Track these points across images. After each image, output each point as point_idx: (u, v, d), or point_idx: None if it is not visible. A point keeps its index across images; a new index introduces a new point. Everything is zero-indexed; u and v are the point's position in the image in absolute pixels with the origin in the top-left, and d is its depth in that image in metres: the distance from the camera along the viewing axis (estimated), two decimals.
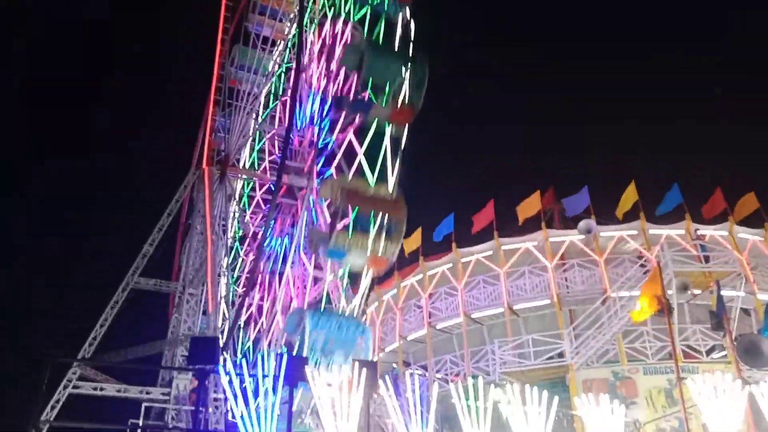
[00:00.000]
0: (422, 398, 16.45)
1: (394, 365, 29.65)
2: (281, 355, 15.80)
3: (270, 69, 29.27)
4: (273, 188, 23.02)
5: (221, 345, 19.90)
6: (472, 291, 28.22)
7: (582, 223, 25.86)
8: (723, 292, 22.26)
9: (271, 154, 29.79)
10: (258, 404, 14.08)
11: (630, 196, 27.21)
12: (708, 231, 26.01)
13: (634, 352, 23.90)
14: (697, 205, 27.62)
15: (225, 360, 16.36)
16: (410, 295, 30.66)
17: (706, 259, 23.95)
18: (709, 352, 23.49)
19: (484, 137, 75.05)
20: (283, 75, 30.95)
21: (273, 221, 23.96)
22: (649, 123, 72.81)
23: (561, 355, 24.43)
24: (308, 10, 26.80)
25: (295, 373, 15.13)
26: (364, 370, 15.44)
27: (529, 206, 28.38)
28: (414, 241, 30.61)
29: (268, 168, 28.93)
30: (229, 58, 30.35)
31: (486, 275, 28.06)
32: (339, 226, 20.04)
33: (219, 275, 23.20)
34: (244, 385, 14.09)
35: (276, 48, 30.12)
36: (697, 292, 23.72)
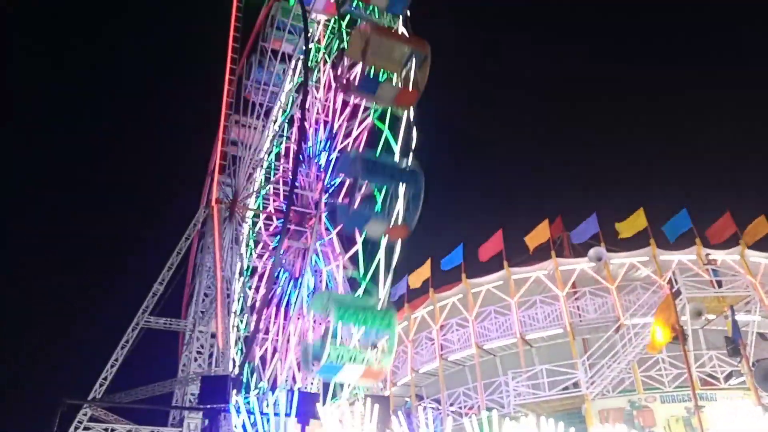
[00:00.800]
0: None
1: (407, 399, 29.25)
2: (292, 391, 15.66)
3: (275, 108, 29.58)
4: (284, 209, 23.04)
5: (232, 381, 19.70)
6: (484, 322, 27.98)
7: (592, 251, 25.74)
8: (737, 317, 22.01)
9: (277, 195, 29.92)
10: None
11: (636, 221, 27.05)
12: (719, 255, 25.79)
13: (651, 381, 23.52)
14: (706, 229, 27.42)
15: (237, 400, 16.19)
16: (421, 327, 30.43)
17: (719, 283, 23.69)
18: (726, 378, 23.07)
19: (490, 167, 75.37)
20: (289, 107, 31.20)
21: (282, 251, 23.89)
22: (654, 148, 72.83)
23: (576, 384, 24.07)
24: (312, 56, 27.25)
25: (306, 409, 14.99)
26: (377, 405, 15.28)
27: (538, 235, 28.30)
28: (424, 273, 30.51)
29: (274, 208, 29.04)
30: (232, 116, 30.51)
31: (497, 305, 27.85)
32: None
33: (229, 311, 23.16)
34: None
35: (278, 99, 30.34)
36: (711, 317, 23.42)
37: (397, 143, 22.97)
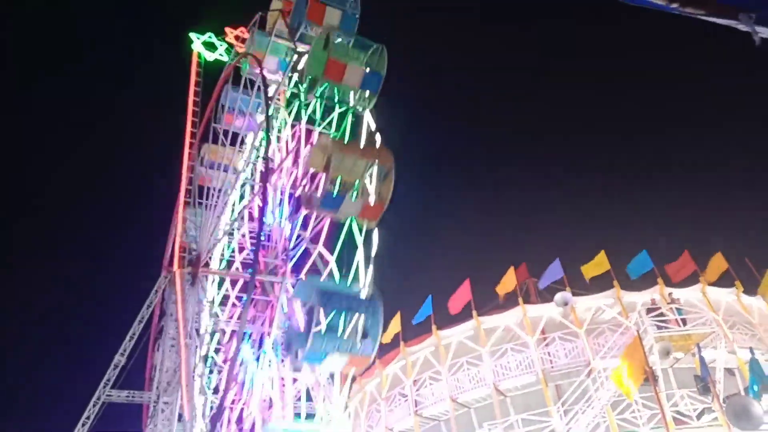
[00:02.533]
0: None
1: None
2: None
3: (239, 168, 29.58)
4: (246, 289, 22.82)
5: None
6: (457, 374, 27.67)
7: (558, 296, 25.92)
8: (704, 353, 22.28)
9: (243, 249, 29.62)
10: None
11: (599, 264, 27.45)
12: (681, 294, 26.26)
13: (626, 423, 23.44)
14: (665, 269, 27.95)
15: None
16: (394, 384, 29.91)
17: (684, 321, 24.04)
18: (699, 416, 23.14)
19: (454, 216, 76.08)
20: (252, 171, 31.17)
21: (247, 325, 23.51)
22: (613, 193, 74.81)
23: None
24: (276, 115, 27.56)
25: None
26: None
27: (506, 283, 28.44)
28: (394, 327, 30.19)
29: (240, 266, 28.62)
30: (199, 157, 30.71)
31: (469, 356, 27.63)
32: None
33: (194, 380, 22.41)
34: None
35: (244, 146, 30.53)
36: (679, 356, 23.64)
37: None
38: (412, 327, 30.42)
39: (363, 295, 20.49)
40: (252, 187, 29.81)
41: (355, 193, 22.04)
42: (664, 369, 23.43)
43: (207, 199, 29.51)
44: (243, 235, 28.25)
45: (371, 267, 21.47)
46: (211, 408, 22.22)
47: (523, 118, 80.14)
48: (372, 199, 21.52)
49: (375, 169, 21.65)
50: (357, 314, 19.07)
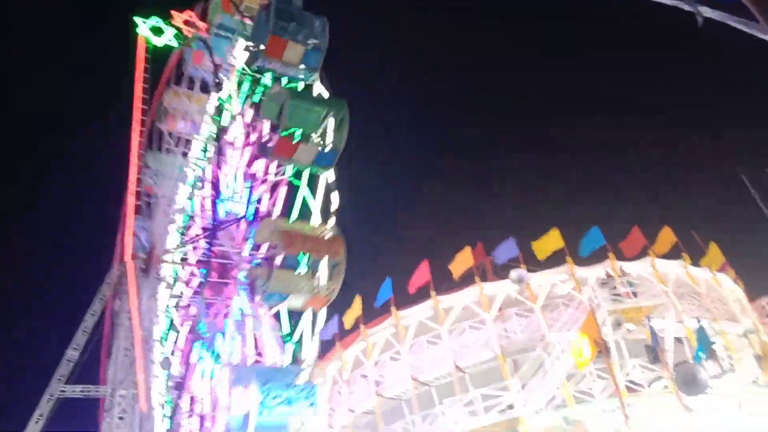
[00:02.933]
0: None
1: None
2: None
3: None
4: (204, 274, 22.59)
5: None
6: (417, 353, 27.95)
7: (513, 273, 26.29)
8: (654, 323, 23.07)
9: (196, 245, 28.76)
10: None
11: (552, 241, 27.89)
12: (632, 267, 27.01)
13: (581, 394, 24.10)
14: (616, 244, 28.65)
15: None
16: (355, 366, 30.03)
17: (635, 294, 24.78)
18: (651, 383, 23.98)
19: (411, 199, 76.43)
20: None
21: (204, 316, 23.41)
22: (564, 171, 76.13)
23: (511, 406, 24.36)
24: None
25: None
26: None
27: (461, 262, 28.71)
28: (354, 311, 30.25)
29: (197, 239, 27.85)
30: (161, 107, 29.45)
31: (429, 335, 27.92)
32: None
33: (150, 372, 21.99)
34: None
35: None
36: (631, 327, 24.38)
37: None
38: (372, 309, 30.54)
39: (304, 374, 20.99)
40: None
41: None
42: (616, 340, 24.12)
43: (168, 152, 28.58)
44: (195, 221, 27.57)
45: (316, 342, 22.33)
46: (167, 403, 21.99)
47: (479, 95, 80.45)
48: (320, 292, 22.27)
49: (325, 260, 22.25)
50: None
